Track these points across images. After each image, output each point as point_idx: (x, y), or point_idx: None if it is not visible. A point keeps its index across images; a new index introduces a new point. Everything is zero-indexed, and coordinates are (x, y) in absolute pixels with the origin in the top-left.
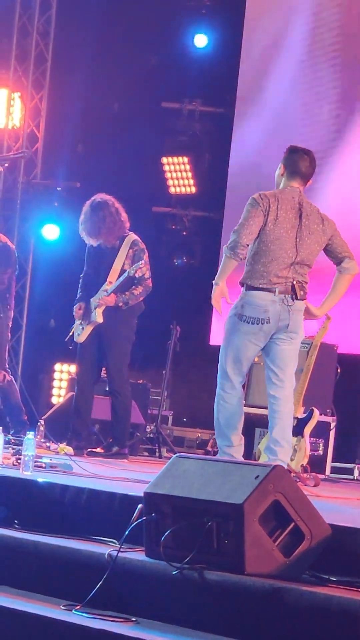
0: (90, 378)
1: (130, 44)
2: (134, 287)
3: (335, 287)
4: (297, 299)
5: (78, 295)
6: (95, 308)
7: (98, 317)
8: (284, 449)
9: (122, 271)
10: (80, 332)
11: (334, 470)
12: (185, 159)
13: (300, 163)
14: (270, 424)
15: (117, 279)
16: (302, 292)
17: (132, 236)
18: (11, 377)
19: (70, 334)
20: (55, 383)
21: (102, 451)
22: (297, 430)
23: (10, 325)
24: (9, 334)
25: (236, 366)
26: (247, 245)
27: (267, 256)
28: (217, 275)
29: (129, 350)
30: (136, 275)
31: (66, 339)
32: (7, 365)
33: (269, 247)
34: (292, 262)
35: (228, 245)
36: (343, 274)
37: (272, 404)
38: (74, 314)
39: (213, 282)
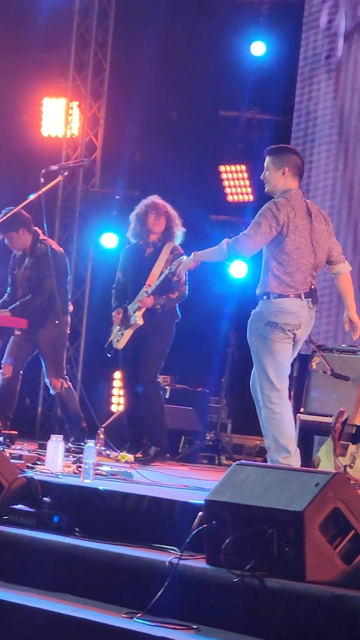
0: (136, 383)
1: (188, 52)
2: (170, 291)
3: (346, 291)
4: (315, 303)
5: (114, 305)
6: (134, 311)
7: (138, 319)
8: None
9: (161, 274)
10: (120, 338)
11: None
12: (243, 167)
13: (300, 162)
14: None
15: (156, 281)
16: (317, 297)
17: (173, 243)
18: (69, 384)
19: (109, 341)
20: (115, 391)
21: (142, 456)
22: (357, 438)
23: (69, 332)
24: (68, 342)
25: (279, 374)
26: (249, 255)
27: (291, 266)
28: (201, 253)
29: (164, 356)
30: (175, 277)
31: (105, 345)
32: (65, 373)
33: (293, 257)
34: (312, 267)
35: (234, 243)
36: (343, 276)
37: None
38: (113, 319)
39: (192, 254)
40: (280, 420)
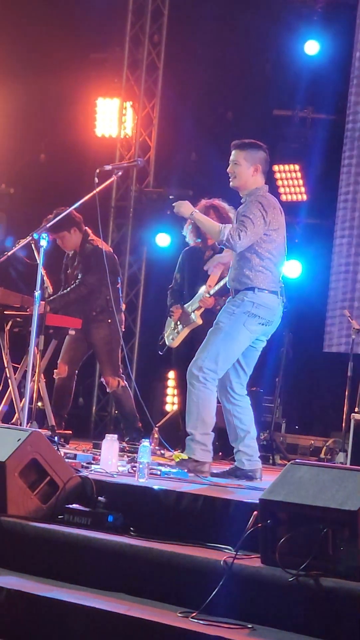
0: None
1: (242, 51)
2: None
3: None
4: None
5: (169, 303)
6: (193, 311)
7: (197, 318)
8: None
9: (221, 277)
10: (176, 337)
11: None
12: (297, 167)
13: (268, 160)
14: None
15: (217, 282)
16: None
17: None
18: (125, 383)
19: (162, 338)
20: (169, 390)
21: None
22: None
23: (123, 330)
24: (122, 341)
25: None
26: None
27: (272, 261)
28: (200, 216)
29: None
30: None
31: (159, 343)
32: (121, 372)
33: (273, 253)
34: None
35: (235, 236)
36: None
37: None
38: (170, 315)
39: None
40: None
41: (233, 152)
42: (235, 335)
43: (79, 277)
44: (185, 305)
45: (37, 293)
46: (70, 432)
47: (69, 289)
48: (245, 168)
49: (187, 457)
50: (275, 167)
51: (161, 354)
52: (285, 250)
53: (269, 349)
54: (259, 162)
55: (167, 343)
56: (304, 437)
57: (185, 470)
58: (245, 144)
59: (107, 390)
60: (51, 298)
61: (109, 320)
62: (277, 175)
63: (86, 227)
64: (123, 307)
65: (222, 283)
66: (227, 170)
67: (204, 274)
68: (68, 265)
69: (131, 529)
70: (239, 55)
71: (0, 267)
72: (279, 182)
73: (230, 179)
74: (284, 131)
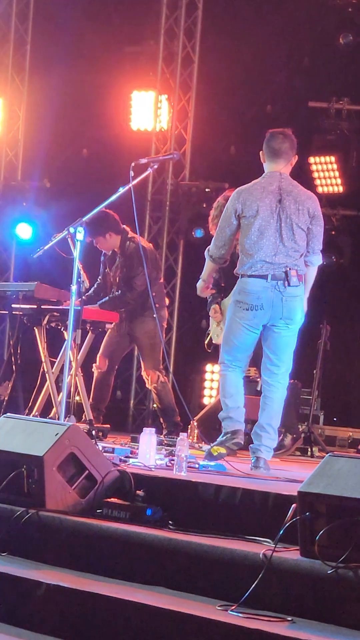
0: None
1: (278, 44)
2: None
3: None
4: (289, 285)
5: (209, 299)
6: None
7: None
8: (269, 434)
9: None
10: (220, 333)
11: None
12: (333, 158)
13: (272, 144)
14: (260, 409)
15: None
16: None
17: None
18: (165, 377)
19: (209, 336)
20: (207, 384)
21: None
22: None
23: (165, 326)
24: (163, 335)
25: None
26: None
27: (251, 245)
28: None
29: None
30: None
31: (205, 342)
32: (161, 367)
33: (251, 237)
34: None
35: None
36: (308, 267)
37: (264, 389)
38: (211, 316)
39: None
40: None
41: None
42: (229, 324)
43: (126, 280)
44: (223, 301)
45: (74, 287)
46: (109, 425)
47: (119, 293)
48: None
49: (224, 451)
50: (311, 159)
51: (209, 351)
52: (274, 229)
53: (305, 341)
54: (264, 148)
55: (213, 340)
56: (343, 429)
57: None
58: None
59: (147, 385)
60: (102, 302)
61: (154, 316)
62: (313, 167)
63: (124, 225)
64: (167, 302)
65: None
66: None
67: None
68: (107, 264)
69: (170, 522)
70: (275, 48)
71: (37, 262)
72: (315, 174)
73: None
74: (320, 123)
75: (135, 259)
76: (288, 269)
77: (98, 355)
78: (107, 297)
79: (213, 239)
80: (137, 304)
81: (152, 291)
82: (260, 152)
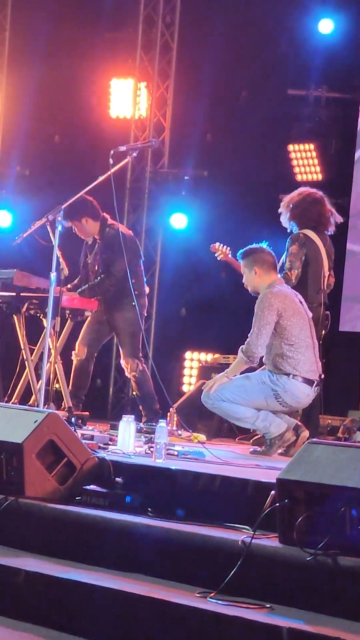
0: None
1: (256, 31)
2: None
3: None
4: None
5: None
6: None
7: None
8: None
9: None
10: None
11: None
12: (312, 146)
13: (269, 258)
14: None
15: None
16: None
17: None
18: (144, 365)
19: None
20: (186, 371)
21: None
22: None
23: (145, 314)
24: (143, 323)
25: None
26: None
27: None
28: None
29: None
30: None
31: None
32: (140, 354)
33: (299, 337)
34: None
35: (244, 352)
36: None
37: None
38: None
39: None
40: None
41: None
42: (255, 387)
43: (104, 266)
44: None
45: (53, 275)
46: (88, 413)
47: (97, 280)
48: (247, 274)
49: (204, 438)
50: (290, 147)
51: None
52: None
53: None
54: (255, 265)
55: None
56: (321, 417)
57: None
58: (242, 252)
59: (126, 373)
60: (81, 289)
61: (133, 304)
62: (292, 155)
63: (104, 213)
64: (147, 290)
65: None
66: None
67: None
68: (87, 252)
69: (149, 509)
70: (253, 35)
71: (16, 249)
72: (294, 162)
73: None
74: (299, 110)
75: (115, 245)
76: None
77: (77, 343)
78: (86, 285)
79: (254, 341)
80: (116, 291)
81: (132, 278)
82: (254, 270)
